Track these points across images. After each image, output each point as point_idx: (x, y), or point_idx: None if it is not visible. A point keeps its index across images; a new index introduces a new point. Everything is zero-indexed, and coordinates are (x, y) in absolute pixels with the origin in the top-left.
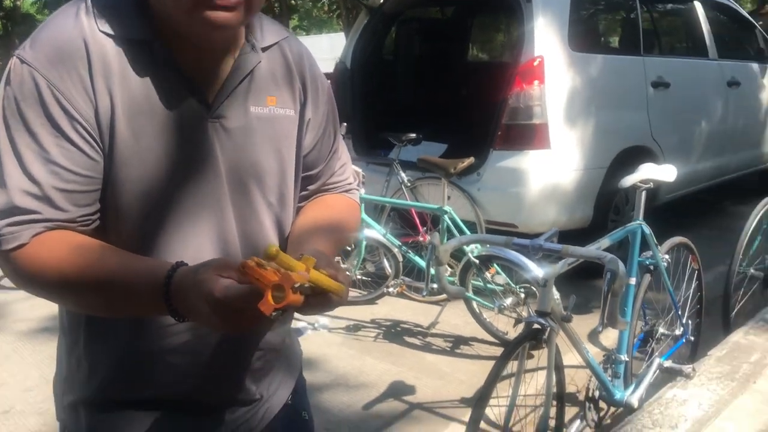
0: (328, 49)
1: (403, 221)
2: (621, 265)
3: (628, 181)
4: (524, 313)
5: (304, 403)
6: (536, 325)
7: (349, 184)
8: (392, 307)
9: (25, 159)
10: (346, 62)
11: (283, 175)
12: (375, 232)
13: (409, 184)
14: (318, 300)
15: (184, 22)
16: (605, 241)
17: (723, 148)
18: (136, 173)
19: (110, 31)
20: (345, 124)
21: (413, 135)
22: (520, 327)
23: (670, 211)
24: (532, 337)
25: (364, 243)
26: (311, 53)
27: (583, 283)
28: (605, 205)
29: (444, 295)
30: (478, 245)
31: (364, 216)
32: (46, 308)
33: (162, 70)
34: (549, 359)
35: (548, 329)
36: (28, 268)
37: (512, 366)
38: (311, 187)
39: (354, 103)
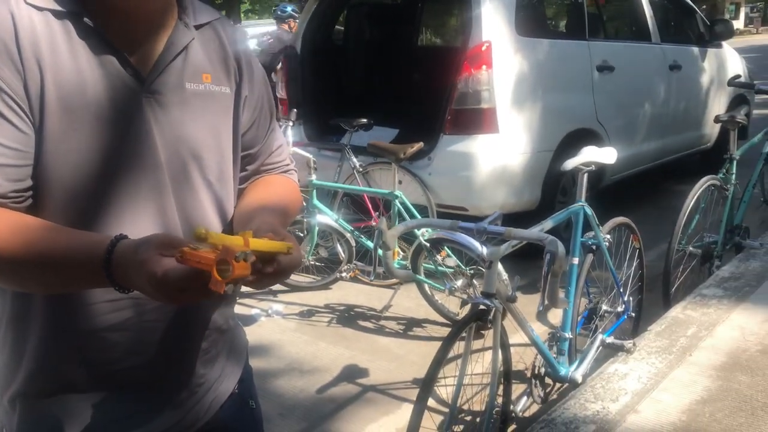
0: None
1: (355, 206)
2: (560, 246)
3: (571, 164)
4: (472, 294)
5: (251, 391)
6: (482, 306)
7: (287, 165)
8: (346, 292)
9: None
10: (297, 47)
11: (221, 153)
12: (327, 217)
13: (361, 170)
14: (270, 266)
15: None
16: (548, 223)
17: (665, 130)
18: (67, 148)
19: (37, 3)
20: (295, 110)
21: (364, 120)
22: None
23: (615, 192)
24: (478, 318)
25: (317, 229)
26: (245, 35)
27: (530, 264)
28: (553, 187)
29: (396, 279)
30: (429, 229)
31: (316, 202)
32: None
33: (92, 43)
34: (494, 339)
35: (493, 309)
36: None
37: (459, 347)
38: (250, 167)
39: (305, 89)
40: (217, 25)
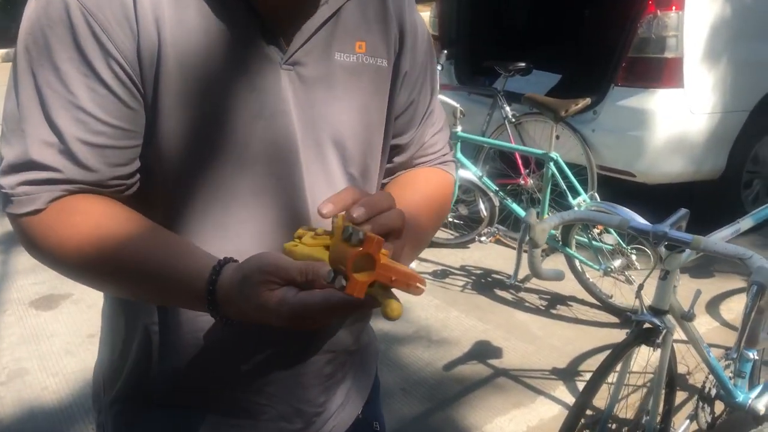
0: None
1: (503, 160)
2: None
3: None
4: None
5: (377, 412)
6: (649, 325)
7: (444, 155)
8: (484, 254)
9: (47, 101)
10: None
11: (368, 141)
12: (470, 173)
13: (513, 120)
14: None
15: None
16: (747, 222)
17: None
18: (184, 127)
19: None
20: (445, 51)
21: (522, 64)
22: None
23: None
24: (645, 339)
25: (458, 183)
26: None
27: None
28: (742, 155)
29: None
30: (587, 199)
31: (459, 156)
32: None
33: (230, 7)
34: (661, 364)
35: (664, 331)
36: (43, 239)
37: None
38: (398, 159)
39: (459, 27)
40: None
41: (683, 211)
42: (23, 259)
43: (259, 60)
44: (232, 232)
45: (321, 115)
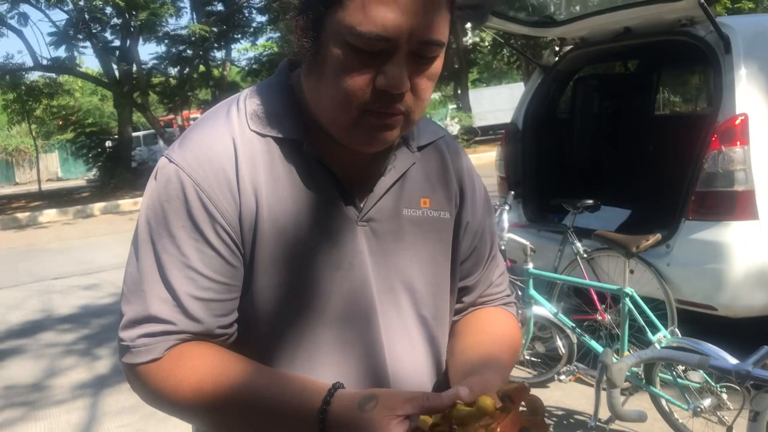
0: (507, 99)
1: (578, 295)
2: None
3: None
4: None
5: None
6: None
7: (507, 296)
8: (565, 393)
9: (164, 263)
10: (518, 123)
11: (438, 285)
12: (545, 310)
13: (585, 255)
14: None
15: (343, 136)
16: None
17: None
18: (278, 280)
19: (260, 130)
20: (512, 193)
21: (590, 201)
22: None
23: None
24: None
25: (533, 321)
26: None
27: None
28: None
29: (627, 383)
30: (667, 335)
31: (533, 292)
32: None
33: (312, 170)
34: None
35: None
36: (160, 384)
37: None
38: (466, 299)
39: (525, 167)
40: (441, 144)
41: (766, 348)
42: (110, 401)
43: (339, 219)
44: (316, 377)
45: (393, 264)
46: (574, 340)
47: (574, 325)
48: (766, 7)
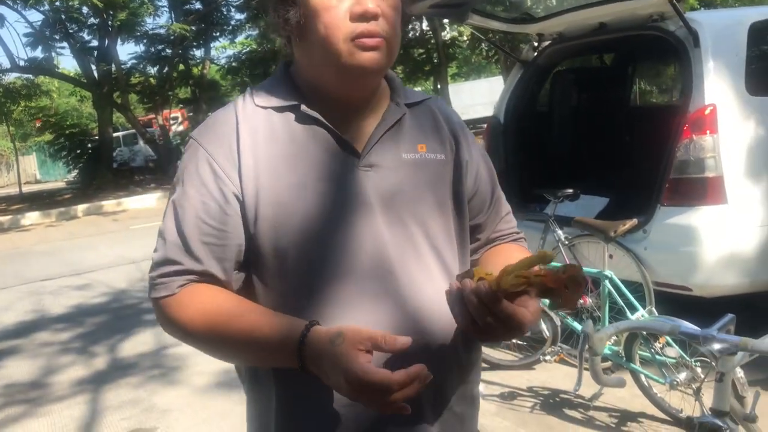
0: (487, 92)
1: None
2: None
3: None
4: (696, 409)
5: None
6: (713, 427)
7: (518, 233)
8: (550, 374)
9: (178, 215)
10: (500, 117)
11: (447, 218)
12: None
13: (566, 243)
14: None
15: (340, 71)
16: None
17: None
18: (285, 221)
19: (262, 104)
20: None
21: (569, 190)
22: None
23: None
24: None
25: None
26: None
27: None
28: None
29: (609, 362)
30: (645, 314)
31: None
32: (218, 363)
33: (310, 127)
34: None
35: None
36: (176, 315)
37: None
38: (481, 236)
39: (507, 159)
40: (430, 104)
41: (729, 316)
42: (111, 396)
43: (341, 165)
44: (338, 305)
45: (402, 202)
46: (558, 322)
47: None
48: None
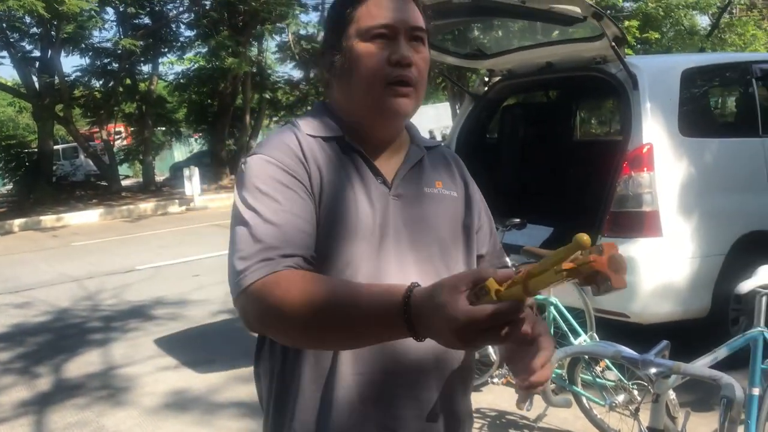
0: (434, 118)
1: None
2: (738, 390)
3: (746, 286)
4: (634, 429)
5: None
6: None
7: (510, 267)
8: (497, 396)
9: (262, 213)
10: (451, 146)
11: (458, 248)
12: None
13: (514, 270)
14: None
15: (374, 111)
16: (722, 351)
17: None
18: (335, 232)
19: (313, 133)
20: None
21: (517, 220)
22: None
23: None
24: None
25: None
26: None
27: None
28: (725, 294)
29: (553, 385)
30: (587, 339)
31: None
32: (170, 383)
33: (352, 158)
34: None
35: None
36: (269, 294)
37: None
38: (483, 266)
39: None
40: (442, 149)
41: (665, 342)
42: (56, 417)
43: (377, 192)
44: None
45: (424, 227)
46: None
47: None
48: (669, 37)
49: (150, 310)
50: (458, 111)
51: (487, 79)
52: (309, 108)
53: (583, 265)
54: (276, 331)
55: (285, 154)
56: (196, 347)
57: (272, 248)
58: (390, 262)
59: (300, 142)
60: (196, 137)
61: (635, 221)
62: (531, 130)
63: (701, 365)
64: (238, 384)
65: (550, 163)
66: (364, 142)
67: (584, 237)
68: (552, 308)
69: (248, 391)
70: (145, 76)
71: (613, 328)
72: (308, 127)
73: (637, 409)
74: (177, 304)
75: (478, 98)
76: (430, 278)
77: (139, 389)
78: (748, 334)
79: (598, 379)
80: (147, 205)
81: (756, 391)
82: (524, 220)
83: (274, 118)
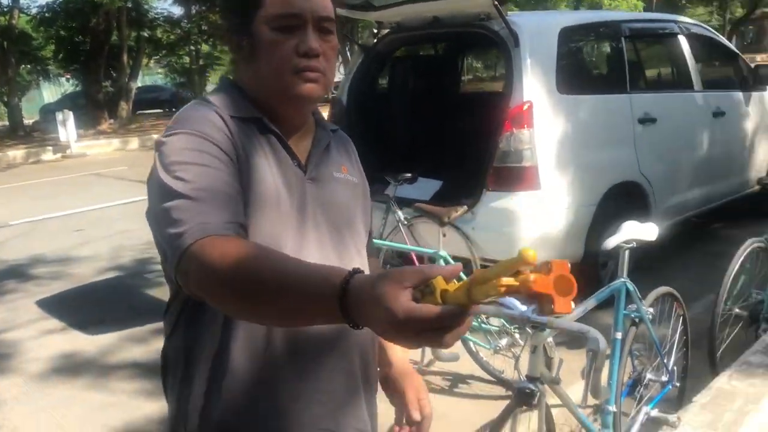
0: None
1: (400, 256)
2: (602, 342)
3: (612, 242)
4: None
5: None
6: (527, 390)
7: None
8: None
9: (197, 182)
10: (343, 98)
11: (363, 232)
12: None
13: (406, 223)
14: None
15: (284, 98)
16: (591, 302)
17: (710, 177)
18: (258, 214)
19: (232, 113)
20: None
21: (408, 174)
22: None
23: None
24: (523, 402)
25: None
26: None
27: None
28: (596, 241)
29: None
30: None
31: None
32: (57, 347)
33: (270, 140)
34: (539, 422)
35: (538, 394)
36: (208, 256)
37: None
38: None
39: (351, 139)
40: (341, 133)
41: None
42: None
43: (294, 176)
44: None
45: (334, 206)
46: None
47: None
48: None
49: (29, 269)
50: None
51: (376, 31)
52: (202, 63)
53: (525, 284)
54: (213, 296)
55: (213, 130)
56: (83, 307)
57: (209, 213)
58: (310, 244)
59: (225, 121)
60: (67, 76)
61: (516, 176)
62: (420, 83)
63: (572, 317)
64: (132, 344)
65: (439, 117)
66: (278, 124)
67: (529, 253)
68: (441, 261)
69: (142, 351)
70: (5, 9)
71: None
72: (225, 106)
73: (518, 359)
74: (59, 261)
75: (368, 50)
76: (347, 262)
77: (22, 355)
78: (612, 285)
79: (483, 325)
80: (16, 153)
81: (619, 335)
82: (415, 174)
83: (155, 57)
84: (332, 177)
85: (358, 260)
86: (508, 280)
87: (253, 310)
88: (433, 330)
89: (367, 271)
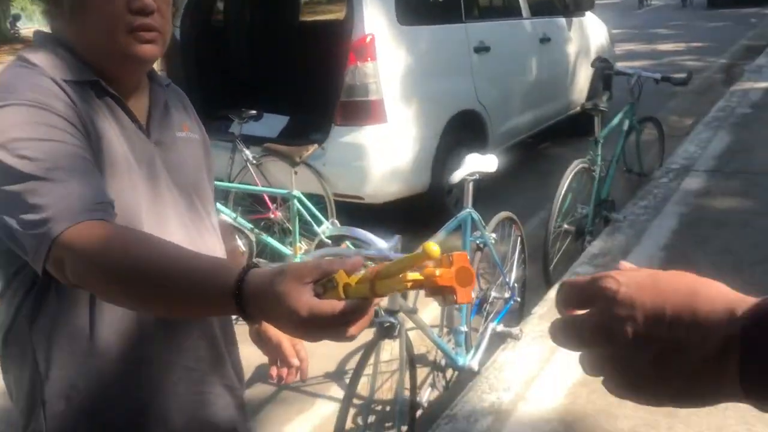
0: None
1: (251, 196)
2: None
3: (457, 176)
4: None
5: None
6: (387, 323)
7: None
8: None
9: (51, 159)
10: (175, 33)
11: (209, 189)
12: (225, 216)
13: (254, 162)
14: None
15: (118, 59)
16: (441, 234)
17: (540, 101)
18: (111, 184)
19: (68, 78)
20: None
21: (253, 111)
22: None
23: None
24: (385, 334)
25: None
26: None
27: None
28: (441, 169)
29: None
30: (329, 225)
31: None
32: None
33: (108, 104)
34: (401, 349)
35: (398, 326)
36: (87, 244)
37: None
38: None
39: (188, 78)
40: (174, 87)
41: (397, 236)
42: None
43: (137, 139)
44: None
45: (183, 174)
46: (253, 238)
47: (252, 226)
48: None
49: None
50: None
51: None
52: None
53: (430, 279)
54: (97, 289)
55: (50, 98)
56: None
57: (71, 195)
58: (169, 212)
59: (60, 87)
60: None
61: (363, 110)
62: (258, 14)
63: None
64: None
65: (281, 49)
66: (113, 86)
67: (432, 248)
68: (295, 201)
69: None
70: None
71: (352, 211)
72: (54, 68)
73: None
74: None
75: None
76: (201, 227)
77: None
78: (459, 216)
79: None
80: None
81: None
82: (261, 110)
83: None
84: (176, 138)
85: (209, 223)
86: (413, 275)
87: (141, 304)
88: (338, 325)
89: (218, 232)
